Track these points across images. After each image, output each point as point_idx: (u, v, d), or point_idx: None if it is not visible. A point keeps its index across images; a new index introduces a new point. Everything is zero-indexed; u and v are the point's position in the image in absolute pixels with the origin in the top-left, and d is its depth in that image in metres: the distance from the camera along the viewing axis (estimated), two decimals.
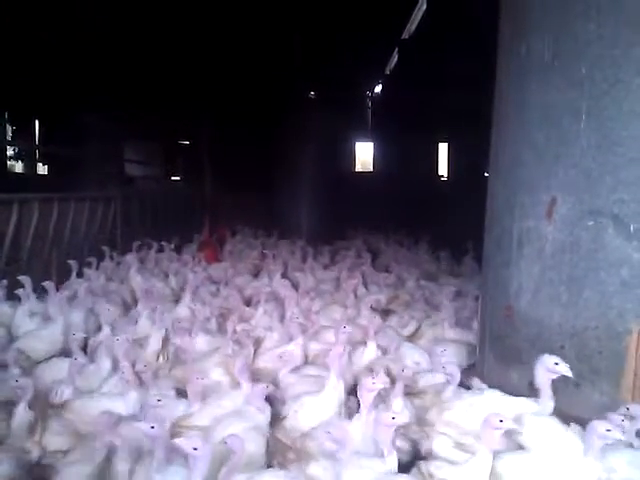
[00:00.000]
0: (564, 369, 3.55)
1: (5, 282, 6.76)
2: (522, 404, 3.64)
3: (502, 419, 3.05)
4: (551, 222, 4.20)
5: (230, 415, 3.88)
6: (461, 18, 13.65)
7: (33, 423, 3.85)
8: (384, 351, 5.42)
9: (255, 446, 3.52)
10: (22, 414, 3.88)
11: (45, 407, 4.08)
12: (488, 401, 3.63)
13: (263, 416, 3.92)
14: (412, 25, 19.07)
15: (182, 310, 6.70)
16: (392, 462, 3.25)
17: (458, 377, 4.24)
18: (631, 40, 3.83)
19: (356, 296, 7.44)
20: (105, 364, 4.78)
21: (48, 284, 6.70)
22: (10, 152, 21.77)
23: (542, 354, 4.16)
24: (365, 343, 5.48)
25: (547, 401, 3.54)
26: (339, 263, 9.86)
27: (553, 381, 3.66)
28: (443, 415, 3.76)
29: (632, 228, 3.87)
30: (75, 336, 5.04)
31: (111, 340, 4.96)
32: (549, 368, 3.56)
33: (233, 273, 8.89)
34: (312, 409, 4.04)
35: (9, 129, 21.61)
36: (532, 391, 4.21)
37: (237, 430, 3.47)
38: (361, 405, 3.71)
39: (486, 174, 5.22)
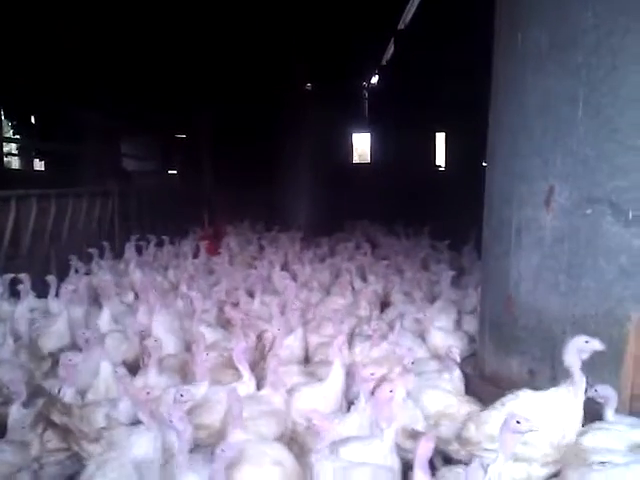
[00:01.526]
0: (596, 344, 3.47)
1: (7, 277, 6.73)
2: (557, 396, 3.48)
3: (519, 420, 2.86)
4: (549, 211, 4.21)
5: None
6: (457, 7, 13.60)
7: (35, 417, 3.85)
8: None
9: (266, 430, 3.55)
10: (16, 414, 3.89)
11: (49, 404, 4.05)
12: (524, 403, 3.46)
13: (278, 397, 3.90)
14: (408, 15, 19.01)
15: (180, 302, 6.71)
16: (389, 437, 3.21)
17: (411, 357, 4.21)
18: (627, 27, 3.83)
19: (353, 287, 7.45)
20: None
21: (51, 279, 6.72)
22: (6, 148, 21.71)
23: (541, 342, 4.23)
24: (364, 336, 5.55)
25: (581, 382, 3.43)
26: (338, 254, 9.86)
27: (553, 369, 3.66)
28: (483, 430, 3.53)
29: (630, 215, 3.89)
30: (85, 334, 4.92)
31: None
32: (580, 348, 3.47)
33: (231, 266, 8.90)
34: (312, 400, 4.02)
35: (7, 125, 21.54)
36: (531, 379, 4.25)
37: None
38: (360, 395, 3.71)
39: (484, 163, 5.22)
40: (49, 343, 5.51)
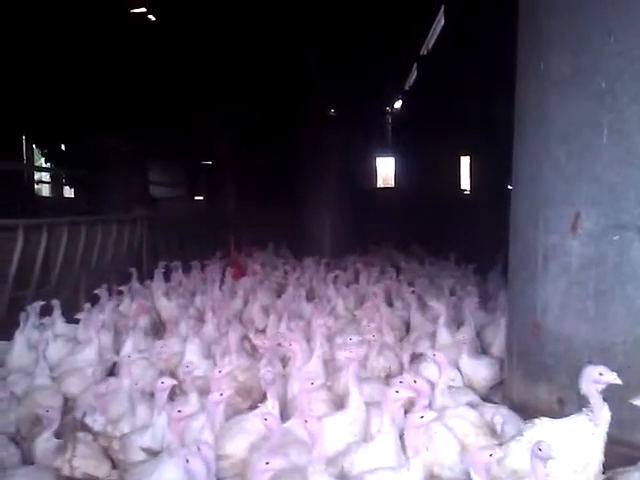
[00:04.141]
0: (611, 377, 3.33)
1: (37, 305, 6.80)
2: (577, 424, 3.39)
3: (541, 447, 2.83)
4: (576, 237, 4.19)
5: None
6: (479, 32, 13.67)
7: (63, 442, 3.88)
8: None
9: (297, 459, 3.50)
10: (47, 443, 3.89)
11: (75, 427, 4.08)
12: (543, 432, 3.38)
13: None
14: (431, 41, 19.16)
15: (208, 329, 6.75)
16: (417, 467, 3.11)
17: (427, 393, 4.00)
18: None
19: (379, 312, 7.41)
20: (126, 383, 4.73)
21: (87, 307, 6.90)
22: (37, 176, 22.19)
23: (569, 370, 4.16)
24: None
25: (601, 411, 3.32)
26: (363, 279, 9.81)
27: (582, 397, 3.58)
28: (505, 464, 3.40)
29: None
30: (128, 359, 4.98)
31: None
32: (594, 379, 3.34)
33: (258, 291, 8.92)
34: (335, 430, 3.88)
35: (38, 153, 22.07)
36: (561, 407, 4.19)
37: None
38: (384, 418, 3.59)
39: (509, 187, 5.21)
40: (73, 387, 5.31)
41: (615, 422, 3.68)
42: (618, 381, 3.34)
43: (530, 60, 4.69)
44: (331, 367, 5.61)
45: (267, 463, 2.90)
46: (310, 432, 3.15)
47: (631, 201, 3.92)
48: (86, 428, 4.00)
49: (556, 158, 4.35)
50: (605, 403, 3.34)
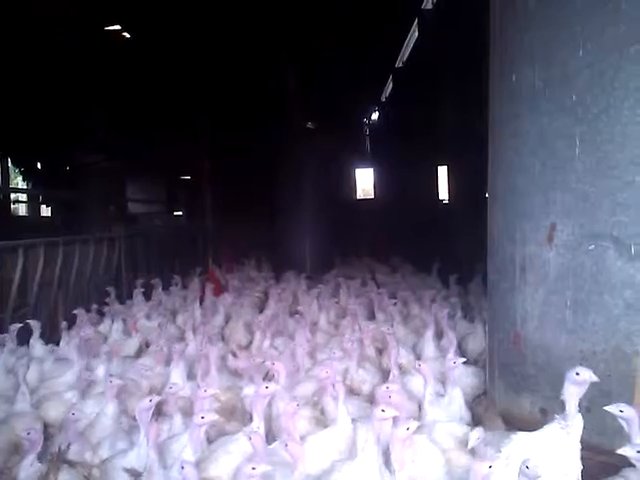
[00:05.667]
0: (587, 375, 3.37)
1: (15, 327, 6.65)
2: (550, 434, 3.40)
3: (528, 465, 2.84)
4: (552, 247, 4.23)
5: None
6: (452, 44, 13.82)
7: (45, 471, 3.79)
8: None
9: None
10: (29, 468, 3.76)
11: (58, 457, 4.00)
12: (520, 446, 3.40)
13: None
14: (405, 53, 19.34)
15: (190, 349, 6.68)
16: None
17: (404, 406, 3.97)
18: (618, 66, 3.89)
19: (360, 327, 7.40)
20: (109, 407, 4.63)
21: (64, 327, 6.85)
22: (14, 195, 21.95)
23: (551, 380, 4.20)
24: None
25: (573, 418, 3.34)
26: (344, 293, 9.79)
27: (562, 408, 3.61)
28: None
29: (633, 250, 3.88)
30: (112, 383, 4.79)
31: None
32: (573, 381, 3.39)
33: (238, 307, 8.87)
34: (322, 449, 3.88)
35: (14, 172, 21.86)
36: (544, 417, 4.21)
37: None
38: (369, 436, 3.52)
39: (487, 195, 5.24)
40: (52, 412, 5.15)
41: (598, 430, 3.74)
42: (595, 378, 3.38)
43: (502, 72, 4.75)
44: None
45: (253, 468, 2.91)
46: (291, 454, 3.14)
47: (605, 211, 3.97)
48: (64, 458, 3.92)
49: (530, 169, 4.40)
50: (578, 411, 3.37)
